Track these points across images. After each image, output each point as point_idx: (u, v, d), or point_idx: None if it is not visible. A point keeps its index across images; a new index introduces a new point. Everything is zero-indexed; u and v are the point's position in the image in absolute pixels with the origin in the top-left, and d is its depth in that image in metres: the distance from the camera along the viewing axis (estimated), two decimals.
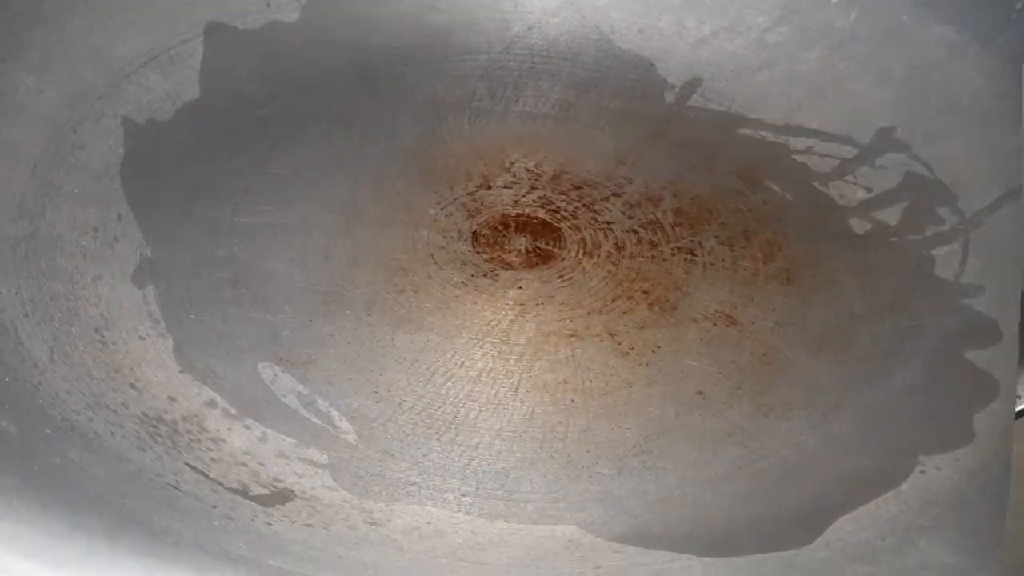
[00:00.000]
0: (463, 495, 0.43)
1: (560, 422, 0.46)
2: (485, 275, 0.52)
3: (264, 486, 0.41)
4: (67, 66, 0.55)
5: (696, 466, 0.44)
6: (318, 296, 0.50)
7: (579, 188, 0.58)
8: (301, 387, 0.46)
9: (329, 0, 0.64)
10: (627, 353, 0.49)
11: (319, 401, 0.46)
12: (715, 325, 0.51)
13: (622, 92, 0.64)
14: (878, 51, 0.61)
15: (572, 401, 0.47)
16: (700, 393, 0.48)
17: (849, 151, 0.59)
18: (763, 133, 0.62)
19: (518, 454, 0.45)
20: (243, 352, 0.47)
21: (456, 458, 0.44)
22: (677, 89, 0.64)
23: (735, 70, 0.64)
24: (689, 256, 0.54)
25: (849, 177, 0.59)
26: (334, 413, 0.45)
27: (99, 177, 0.53)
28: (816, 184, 0.58)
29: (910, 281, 0.52)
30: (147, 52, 0.59)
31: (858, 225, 0.56)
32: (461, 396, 0.47)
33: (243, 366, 0.47)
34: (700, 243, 0.55)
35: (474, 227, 0.55)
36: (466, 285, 0.52)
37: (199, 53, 0.60)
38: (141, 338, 0.47)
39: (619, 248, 0.54)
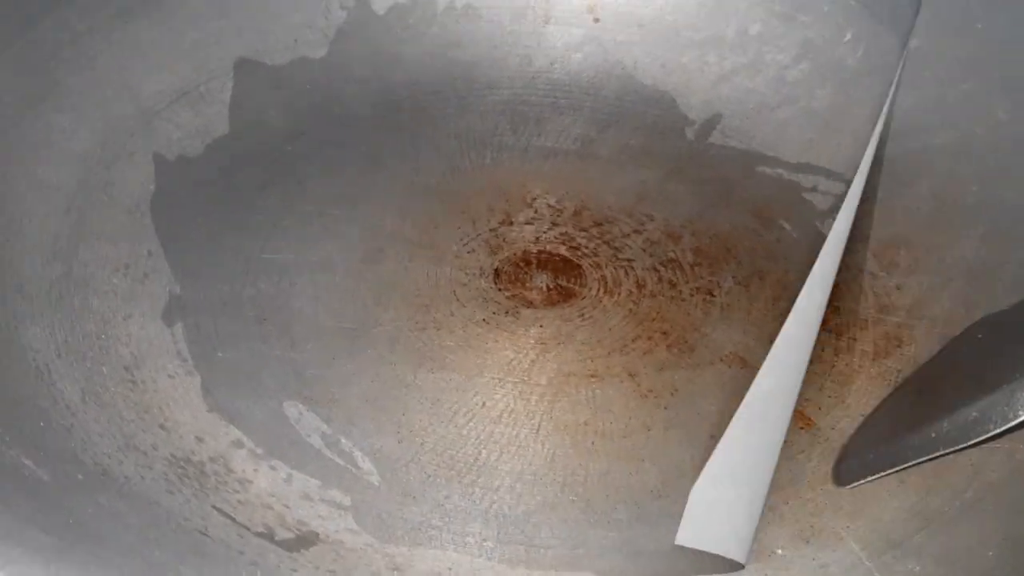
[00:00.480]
0: (484, 540, 0.43)
1: (580, 465, 0.47)
2: (507, 313, 0.53)
3: (289, 529, 0.42)
4: (99, 105, 0.56)
5: None
6: (342, 334, 0.51)
7: (600, 225, 0.58)
8: (325, 427, 0.47)
9: (355, 37, 0.65)
10: (646, 395, 0.50)
11: (343, 441, 0.46)
12: (729, 367, 0.52)
13: (643, 128, 0.65)
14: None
15: (592, 443, 0.48)
16: (713, 437, 0.48)
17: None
18: (779, 171, 0.62)
19: (539, 498, 0.45)
20: (269, 391, 0.48)
21: (477, 501, 0.45)
22: (697, 126, 0.65)
23: (755, 107, 0.65)
24: (708, 296, 0.55)
25: None
26: (357, 453, 0.46)
27: (130, 213, 0.54)
28: (817, 222, 0.58)
29: None
30: (178, 89, 0.60)
31: None
32: (483, 437, 0.47)
33: (269, 405, 0.48)
34: (718, 283, 0.56)
35: (496, 264, 0.56)
36: (488, 323, 0.53)
37: (228, 89, 0.61)
38: (170, 376, 0.48)
39: (639, 286, 0.55)
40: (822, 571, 0.40)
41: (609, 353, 0.52)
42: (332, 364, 0.50)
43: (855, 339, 0.49)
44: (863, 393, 0.46)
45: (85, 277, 0.50)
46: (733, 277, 0.56)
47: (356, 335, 0.51)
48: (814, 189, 0.61)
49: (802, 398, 0.46)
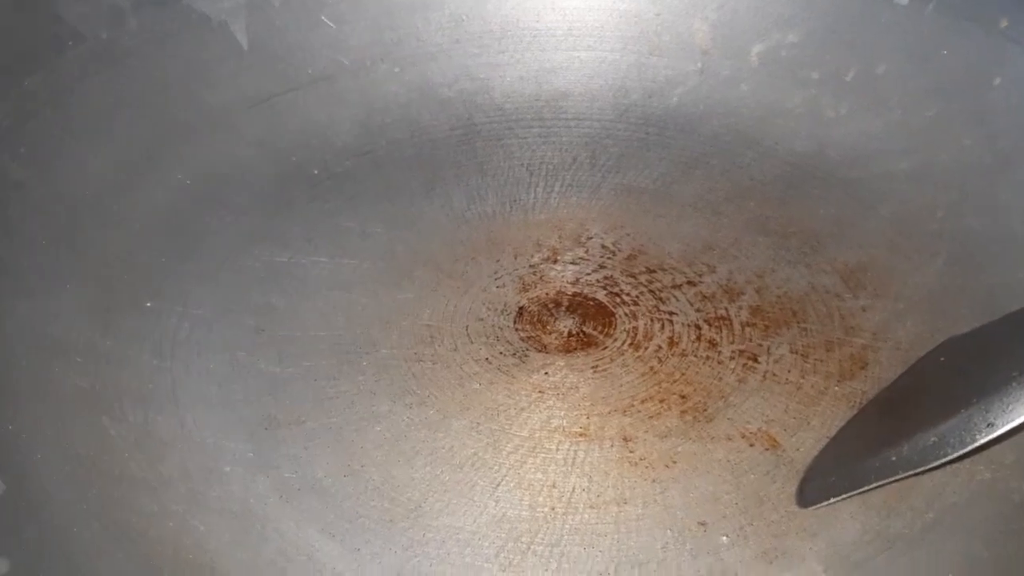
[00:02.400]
0: None
1: (528, 531, 0.41)
2: (514, 354, 0.48)
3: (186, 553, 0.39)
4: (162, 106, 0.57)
5: None
6: (335, 355, 0.48)
7: (652, 272, 0.52)
8: (274, 450, 0.44)
9: (445, 57, 0.63)
10: (636, 464, 0.43)
11: (284, 467, 0.43)
12: (751, 445, 0.44)
13: (734, 171, 0.58)
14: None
15: (552, 509, 0.41)
16: (702, 524, 0.40)
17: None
18: (884, 230, 0.53)
19: (467, 559, 0.40)
20: (234, 403, 0.46)
21: (397, 553, 0.40)
22: (798, 173, 0.57)
23: (867, 155, 0.56)
24: (750, 362, 0.47)
25: None
26: (294, 483, 0.42)
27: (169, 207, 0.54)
28: (915, 294, 0.49)
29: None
30: (250, 98, 0.60)
31: None
32: (435, 484, 0.42)
33: (227, 417, 0.45)
34: (768, 348, 0.48)
35: (523, 302, 0.51)
36: (490, 363, 0.48)
37: (302, 102, 0.60)
38: (135, 367, 0.46)
39: (672, 343, 0.48)
40: None
41: (610, 412, 0.45)
42: (311, 385, 0.47)
43: (821, 360, 0.47)
44: (827, 415, 0.45)
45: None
46: (790, 345, 0.48)
47: (348, 359, 0.48)
48: (921, 257, 0.52)
49: (766, 418, 0.45)
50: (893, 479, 0.38)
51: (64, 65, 0.55)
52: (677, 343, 0.48)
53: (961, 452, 0.36)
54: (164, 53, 0.57)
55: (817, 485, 0.40)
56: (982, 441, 0.35)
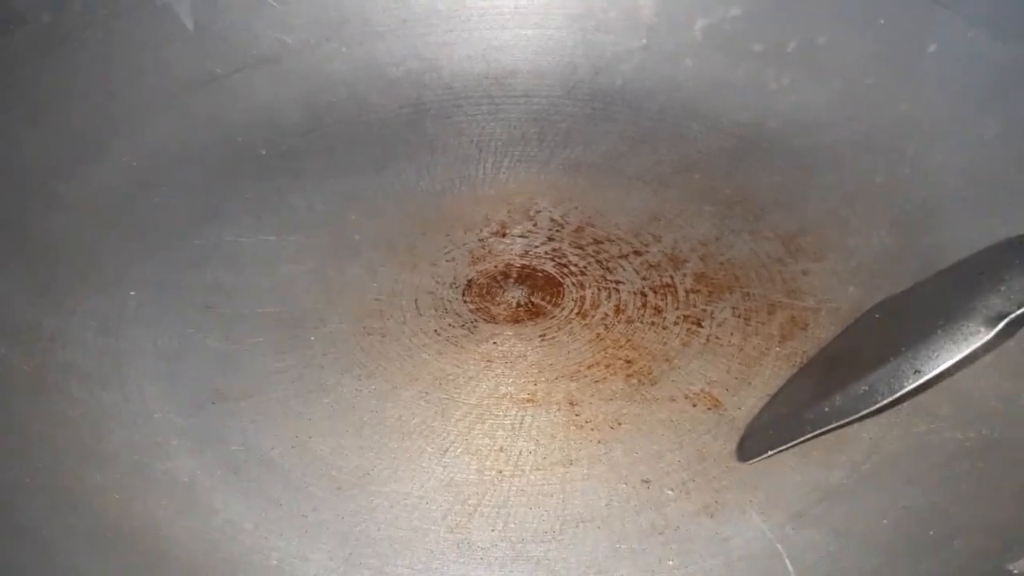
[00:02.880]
0: (330, 559, 0.38)
1: (475, 494, 0.41)
2: (463, 325, 0.48)
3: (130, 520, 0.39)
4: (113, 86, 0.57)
5: (602, 566, 0.38)
6: (283, 330, 0.48)
7: (599, 243, 0.52)
8: (220, 424, 0.44)
9: (391, 37, 0.63)
10: (582, 427, 0.43)
11: (232, 441, 0.43)
12: (694, 406, 0.44)
13: (680, 144, 0.58)
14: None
15: (499, 472, 0.42)
16: (645, 482, 0.41)
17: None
18: (827, 198, 0.54)
19: (415, 522, 0.40)
20: (183, 379, 0.46)
21: (344, 518, 0.40)
22: (741, 145, 0.57)
23: (808, 125, 0.57)
24: (694, 327, 0.48)
25: None
26: (241, 455, 0.42)
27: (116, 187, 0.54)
28: (856, 259, 0.50)
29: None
30: (197, 79, 0.59)
31: None
32: (383, 452, 0.43)
33: (176, 394, 0.45)
34: (712, 313, 0.48)
35: (471, 275, 0.51)
36: (438, 335, 0.48)
37: (248, 83, 0.60)
38: (83, 345, 0.46)
39: (619, 310, 0.49)
40: (724, 544, 0.39)
41: (557, 377, 0.46)
42: (259, 360, 0.47)
43: (763, 323, 0.48)
44: (769, 375, 0.45)
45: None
46: (733, 309, 0.49)
47: (296, 333, 0.48)
48: (863, 221, 0.52)
49: (709, 379, 0.45)
50: (827, 428, 0.38)
51: (7, 48, 0.54)
52: (623, 310, 0.49)
53: (890, 399, 0.37)
54: (108, 35, 0.57)
55: (756, 440, 0.40)
56: (909, 387, 0.36)
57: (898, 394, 0.36)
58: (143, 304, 0.49)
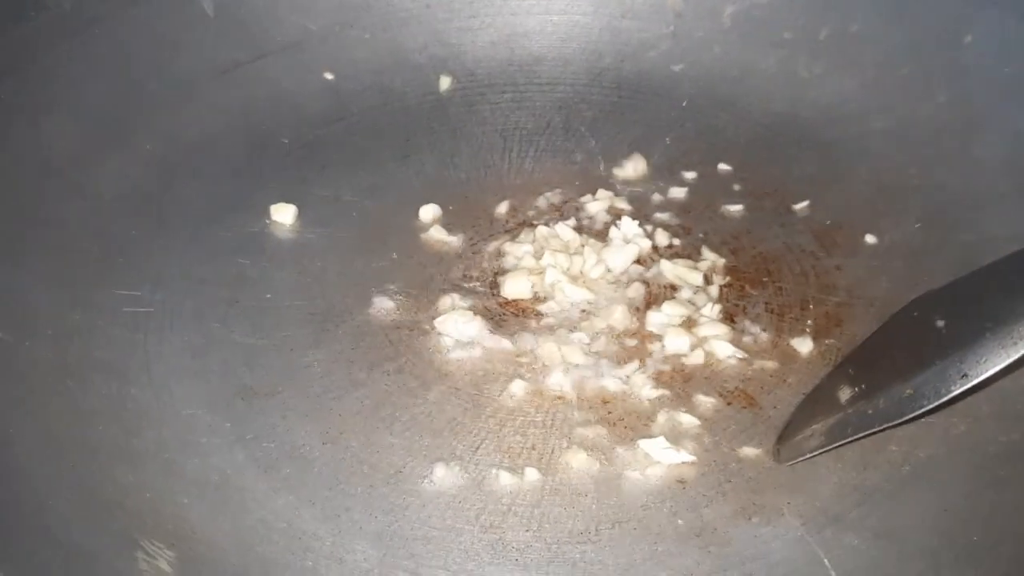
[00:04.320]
0: (364, 560, 0.38)
1: (508, 493, 0.40)
2: (492, 319, 0.48)
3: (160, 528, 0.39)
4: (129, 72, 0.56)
5: (640, 569, 0.38)
6: (311, 324, 0.48)
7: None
8: (251, 421, 0.43)
9: (414, 22, 0.62)
10: (615, 424, 0.43)
11: (263, 438, 0.42)
12: (729, 404, 0.44)
13: (708, 134, 0.57)
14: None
15: (530, 471, 0.41)
16: (681, 482, 0.41)
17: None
18: (859, 189, 0.53)
19: (448, 522, 0.39)
20: (210, 375, 0.45)
21: (377, 518, 0.40)
22: (772, 134, 0.57)
23: (840, 115, 0.56)
24: (726, 321, 0.47)
25: None
26: (274, 453, 0.42)
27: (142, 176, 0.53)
28: (886, 256, 0.50)
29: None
30: (218, 66, 0.59)
31: None
32: (414, 449, 0.42)
33: (201, 389, 0.44)
34: (745, 308, 0.48)
35: (499, 267, 0.50)
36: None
37: (271, 70, 0.59)
38: (108, 341, 0.46)
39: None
40: (764, 547, 0.38)
41: (590, 377, 0.45)
42: (288, 355, 0.46)
43: (796, 319, 0.47)
44: (803, 372, 0.45)
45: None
46: (766, 304, 0.48)
47: (324, 327, 0.47)
48: (897, 215, 0.52)
49: (743, 377, 0.44)
50: (869, 432, 0.38)
51: (27, 35, 0.54)
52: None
53: (936, 403, 0.36)
54: (128, 22, 0.56)
55: (794, 442, 0.40)
56: (956, 392, 0.35)
57: (945, 399, 0.35)
58: (168, 297, 0.48)
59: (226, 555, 0.38)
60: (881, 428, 0.38)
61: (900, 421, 0.37)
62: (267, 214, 0.53)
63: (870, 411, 0.37)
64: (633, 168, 0.55)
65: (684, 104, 0.59)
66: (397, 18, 0.61)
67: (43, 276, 0.47)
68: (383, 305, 0.48)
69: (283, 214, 0.53)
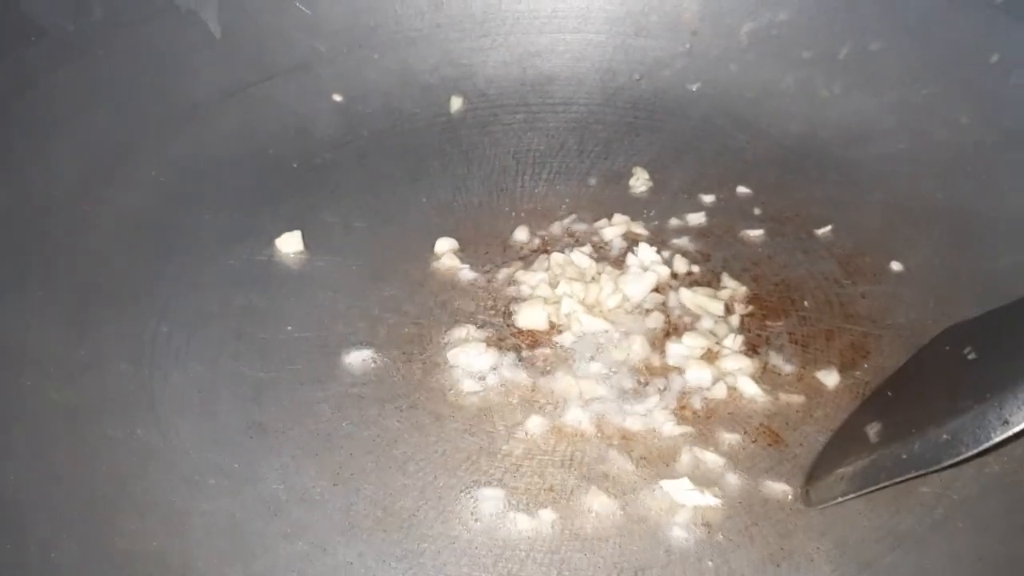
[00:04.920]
0: None
1: (526, 539, 0.39)
2: (507, 351, 0.46)
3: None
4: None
5: None
6: (320, 357, 0.46)
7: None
8: (260, 460, 0.42)
9: (424, 44, 0.61)
10: (636, 463, 0.42)
11: (270, 479, 0.41)
12: (754, 442, 0.42)
13: (726, 155, 0.56)
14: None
15: (549, 514, 0.40)
16: (706, 525, 0.39)
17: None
18: (884, 213, 0.52)
19: (464, 570, 0.38)
20: (220, 412, 0.44)
21: (391, 564, 0.38)
22: (792, 156, 0.55)
23: (861, 136, 0.54)
24: (749, 353, 0.46)
25: None
26: (281, 495, 0.41)
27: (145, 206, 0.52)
28: (911, 282, 0.48)
29: None
30: (225, 89, 0.57)
31: None
32: (428, 490, 0.41)
33: (210, 427, 0.43)
34: (768, 339, 0.46)
35: (514, 296, 0.49)
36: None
37: (279, 92, 0.58)
38: (117, 376, 0.44)
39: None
40: None
41: (610, 412, 0.44)
42: (297, 390, 0.45)
43: (821, 350, 0.45)
44: (830, 406, 0.43)
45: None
46: (790, 334, 0.47)
47: (333, 362, 0.46)
48: (923, 241, 0.50)
49: (767, 412, 0.43)
50: (905, 478, 0.36)
51: (28, 60, 0.52)
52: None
53: (976, 451, 0.34)
54: (132, 44, 0.55)
55: (824, 483, 0.38)
56: (997, 439, 0.34)
57: (985, 446, 0.34)
58: (174, 331, 0.47)
59: None
60: (917, 474, 0.36)
61: (937, 468, 0.35)
62: (270, 244, 0.51)
63: (904, 456, 0.36)
64: (649, 191, 0.54)
65: (701, 125, 0.57)
66: (407, 38, 0.60)
67: (47, 311, 0.46)
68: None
69: (290, 243, 0.51)
